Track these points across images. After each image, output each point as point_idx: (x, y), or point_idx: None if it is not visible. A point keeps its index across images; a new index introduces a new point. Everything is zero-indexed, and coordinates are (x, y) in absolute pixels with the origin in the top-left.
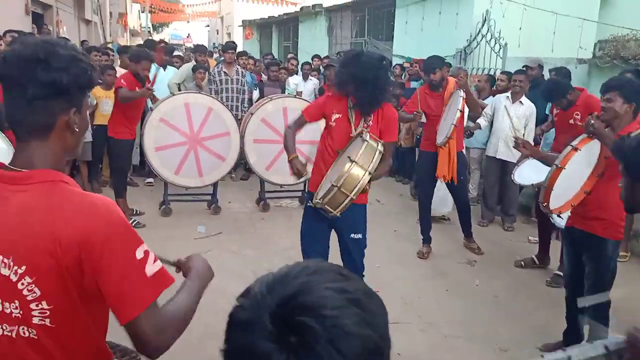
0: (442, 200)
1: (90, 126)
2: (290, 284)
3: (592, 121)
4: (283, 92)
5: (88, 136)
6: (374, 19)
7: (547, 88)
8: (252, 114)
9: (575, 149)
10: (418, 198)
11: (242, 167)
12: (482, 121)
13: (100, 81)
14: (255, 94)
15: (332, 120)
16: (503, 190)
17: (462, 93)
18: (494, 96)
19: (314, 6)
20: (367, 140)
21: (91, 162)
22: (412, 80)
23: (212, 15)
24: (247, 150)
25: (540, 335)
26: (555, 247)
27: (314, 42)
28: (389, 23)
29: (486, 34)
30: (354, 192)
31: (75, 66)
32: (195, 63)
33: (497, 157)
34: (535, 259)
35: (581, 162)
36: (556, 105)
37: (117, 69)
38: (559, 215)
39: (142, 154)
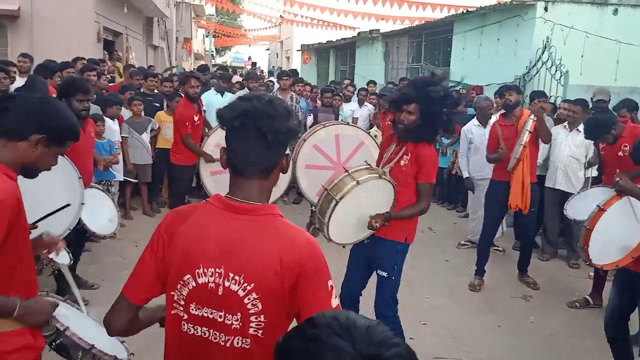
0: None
1: (152, 149)
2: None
3: (618, 179)
4: (337, 118)
5: (149, 158)
6: (430, 45)
7: (589, 126)
8: (304, 140)
9: (602, 209)
10: (483, 228)
11: (295, 192)
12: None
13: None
14: (310, 119)
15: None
16: (565, 223)
17: (533, 117)
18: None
19: (371, 31)
20: (374, 168)
21: (151, 183)
22: (467, 106)
23: (273, 39)
24: (298, 176)
25: None
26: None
27: (370, 67)
28: (446, 49)
29: (546, 61)
30: (339, 196)
31: (295, 119)
32: (248, 91)
33: (555, 187)
34: (589, 299)
35: (620, 216)
36: (602, 142)
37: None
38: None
39: (197, 176)
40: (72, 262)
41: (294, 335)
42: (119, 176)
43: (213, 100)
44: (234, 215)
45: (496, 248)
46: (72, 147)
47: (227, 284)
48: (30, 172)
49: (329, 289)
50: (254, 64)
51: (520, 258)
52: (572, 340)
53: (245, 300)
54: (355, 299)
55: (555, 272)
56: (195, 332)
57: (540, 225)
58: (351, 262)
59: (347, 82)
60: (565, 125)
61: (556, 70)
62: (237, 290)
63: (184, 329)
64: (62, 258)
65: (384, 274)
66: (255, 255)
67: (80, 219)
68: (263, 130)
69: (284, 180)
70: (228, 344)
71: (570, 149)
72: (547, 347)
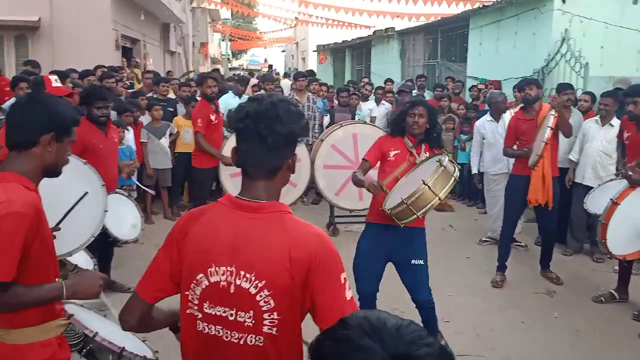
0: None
1: (171, 153)
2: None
3: (630, 173)
4: (353, 117)
5: (168, 163)
6: (446, 41)
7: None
8: (322, 140)
9: (616, 203)
10: (503, 223)
11: (314, 192)
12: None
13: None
14: (326, 119)
15: (391, 156)
16: (591, 219)
17: (553, 112)
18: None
19: (386, 29)
20: (444, 165)
21: (171, 188)
22: (485, 102)
23: (288, 41)
24: (317, 176)
25: None
26: (637, 280)
27: (386, 65)
28: (462, 45)
29: (565, 53)
30: (421, 212)
31: (301, 120)
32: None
33: (583, 183)
34: (615, 293)
35: (635, 208)
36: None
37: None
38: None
39: (217, 179)
40: (96, 267)
41: (326, 337)
42: (134, 181)
43: (231, 103)
44: (243, 214)
45: (518, 244)
46: (96, 153)
47: (238, 282)
48: (53, 171)
49: (342, 281)
50: (270, 66)
51: (543, 253)
52: (599, 336)
53: (257, 298)
54: (374, 296)
55: (579, 267)
56: (210, 331)
57: (566, 220)
58: (369, 260)
59: (365, 80)
60: (597, 120)
61: (575, 62)
62: (249, 288)
63: (199, 328)
64: (86, 263)
65: (421, 261)
66: (265, 252)
67: (103, 225)
68: (262, 133)
69: (303, 180)
70: (242, 342)
71: (602, 144)
72: (573, 343)
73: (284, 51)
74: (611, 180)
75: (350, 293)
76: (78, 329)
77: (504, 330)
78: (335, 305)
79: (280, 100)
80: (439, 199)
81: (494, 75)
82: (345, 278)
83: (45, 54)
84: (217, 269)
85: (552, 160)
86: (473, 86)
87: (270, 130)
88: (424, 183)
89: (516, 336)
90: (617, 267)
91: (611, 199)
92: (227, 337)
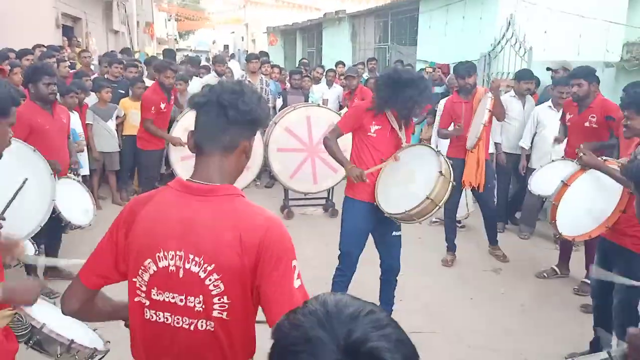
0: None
1: (118, 136)
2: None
3: (581, 154)
4: (306, 100)
5: (116, 146)
6: (397, 25)
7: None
8: (275, 123)
9: (566, 184)
10: (444, 205)
11: (267, 175)
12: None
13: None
14: (279, 102)
15: (372, 131)
16: (527, 198)
17: (490, 94)
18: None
19: (337, 12)
20: (444, 174)
21: (119, 171)
22: (435, 85)
23: (237, 22)
24: (270, 159)
25: (567, 345)
26: (576, 256)
27: (337, 48)
28: (413, 28)
29: (511, 37)
30: (421, 220)
31: (265, 106)
32: (216, 74)
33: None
34: (556, 269)
35: (587, 189)
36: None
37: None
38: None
39: (167, 163)
40: (37, 252)
41: (287, 318)
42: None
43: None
44: (193, 197)
45: (458, 224)
46: (43, 135)
47: (187, 266)
48: None
49: (292, 268)
50: (226, 46)
51: (487, 229)
52: (543, 309)
53: (207, 282)
54: (357, 258)
55: (524, 245)
56: (158, 318)
57: (519, 205)
58: (360, 234)
59: (316, 65)
60: (550, 106)
61: (520, 47)
62: (198, 272)
63: (146, 316)
64: (28, 249)
65: (399, 232)
66: (215, 235)
67: (55, 208)
68: (224, 104)
69: (256, 163)
70: (192, 328)
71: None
72: (519, 317)
73: (233, 32)
74: (555, 160)
75: (300, 281)
76: (25, 320)
77: (454, 307)
78: (280, 292)
79: (248, 85)
80: (440, 207)
81: (443, 58)
82: (295, 265)
83: None
84: (165, 253)
85: (485, 143)
86: (421, 69)
87: (233, 103)
88: (427, 197)
89: (465, 312)
90: (558, 246)
91: (562, 181)
92: (177, 324)
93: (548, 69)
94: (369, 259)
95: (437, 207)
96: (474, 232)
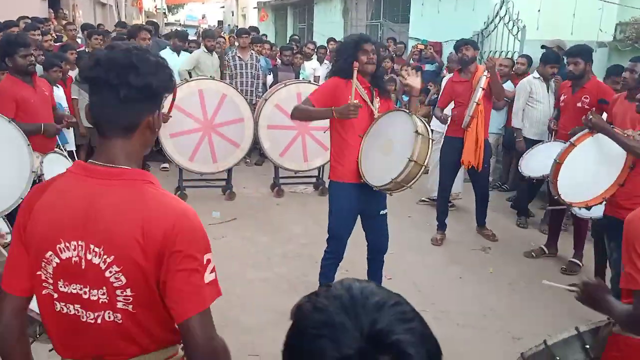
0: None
1: None
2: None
3: (591, 117)
4: (297, 76)
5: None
6: (389, 1)
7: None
8: (266, 99)
9: (573, 145)
10: (439, 183)
11: (257, 153)
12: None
13: None
14: (270, 78)
15: None
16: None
17: (486, 73)
18: (512, 80)
19: None
20: (420, 133)
21: None
22: (427, 63)
23: None
24: (261, 136)
25: (555, 323)
26: (565, 236)
27: (329, 24)
28: (405, 5)
29: (504, 16)
30: (410, 184)
31: (162, 72)
32: (205, 49)
33: (533, 138)
34: (545, 249)
35: (591, 156)
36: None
37: None
38: (587, 208)
39: (156, 140)
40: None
41: (309, 300)
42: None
43: (168, 60)
44: (96, 181)
45: (450, 205)
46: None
47: (89, 256)
48: None
49: (204, 262)
50: (220, 22)
51: (478, 210)
52: (531, 288)
53: (107, 274)
54: (346, 240)
55: (512, 224)
56: (69, 310)
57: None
58: (348, 216)
59: (308, 40)
60: (540, 78)
61: (513, 26)
62: (99, 263)
63: (57, 308)
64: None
65: (386, 210)
66: (117, 224)
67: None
68: (113, 83)
69: (246, 140)
70: (100, 320)
71: (550, 109)
72: (507, 295)
73: (223, 7)
74: (546, 142)
75: (213, 275)
76: None
77: (443, 285)
78: (187, 290)
79: (136, 48)
80: (425, 167)
81: (435, 36)
82: (209, 259)
83: None
84: (67, 244)
85: (485, 123)
86: (414, 46)
87: (123, 80)
88: (410, 159)
89: (454, 290)
90: (545, 228)
91: (570, 142)
92: (86, 316)
93: (543, 46)
94: (357, 239)
95: (423, 167)
96: (463, 212)
